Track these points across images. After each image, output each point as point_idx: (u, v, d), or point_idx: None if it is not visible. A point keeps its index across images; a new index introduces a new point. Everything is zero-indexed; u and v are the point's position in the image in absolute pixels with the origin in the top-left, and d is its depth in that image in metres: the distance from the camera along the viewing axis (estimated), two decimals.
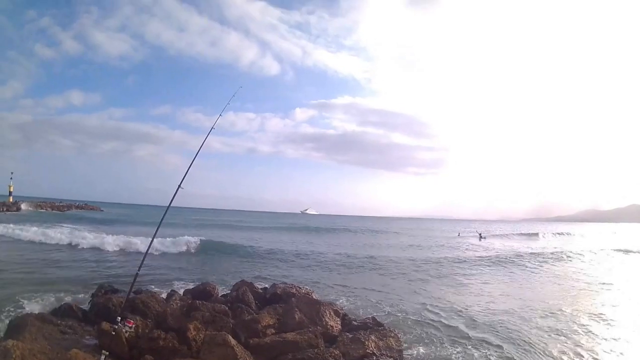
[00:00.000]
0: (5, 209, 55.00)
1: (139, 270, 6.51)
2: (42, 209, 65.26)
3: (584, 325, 9.68)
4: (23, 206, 60.98)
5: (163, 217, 7.00)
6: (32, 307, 9.50)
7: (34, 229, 26.86)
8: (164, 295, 10.02)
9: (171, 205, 7.09)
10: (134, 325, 6.50)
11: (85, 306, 9.51)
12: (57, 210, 68.69)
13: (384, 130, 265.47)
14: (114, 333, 6.23)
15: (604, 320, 10.28)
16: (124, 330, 6.18)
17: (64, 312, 8.64)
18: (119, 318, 6.24)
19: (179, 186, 6.94)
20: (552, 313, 10.78)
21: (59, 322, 7.90)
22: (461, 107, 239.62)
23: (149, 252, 7.55)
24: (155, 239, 7.46)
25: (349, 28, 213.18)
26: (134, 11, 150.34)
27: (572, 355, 7.67)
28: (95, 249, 21.50)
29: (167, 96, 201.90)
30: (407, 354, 7.41)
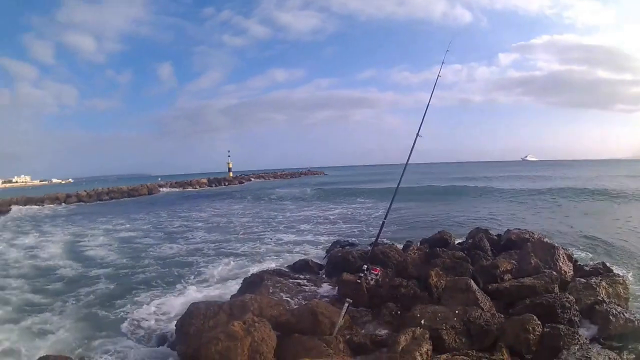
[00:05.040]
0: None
1: (385, 219, 6.60)
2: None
3: None
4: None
5: (403, 172, 6.98)
6: (268, 265, 10.75)
7: None
8: (400, 246, 10.23)
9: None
10: (379, 273, 6.72)
11: (321, 261, 10.32)
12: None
13: (587, 67, 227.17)
14: (358, 281, 6.55)
15: None
16: (369, 278, 6.43)
17: (299, 267, 9.58)
18: (365, 266, 6.50)
19: (417, 134, 6.81)
20: None
21: (295, 276, 8.75)
22: None
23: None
24: None
25: None
26: None
27: None
28: None
29: (368, 60, 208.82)
30: (635, 304, 6.69)
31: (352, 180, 54.94)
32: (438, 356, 4.66)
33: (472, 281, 6.30)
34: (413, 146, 6.90)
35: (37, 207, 40.47)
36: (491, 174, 53.78)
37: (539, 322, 5.08)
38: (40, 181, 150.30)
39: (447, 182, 38.92)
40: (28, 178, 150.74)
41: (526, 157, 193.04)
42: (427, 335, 5.02)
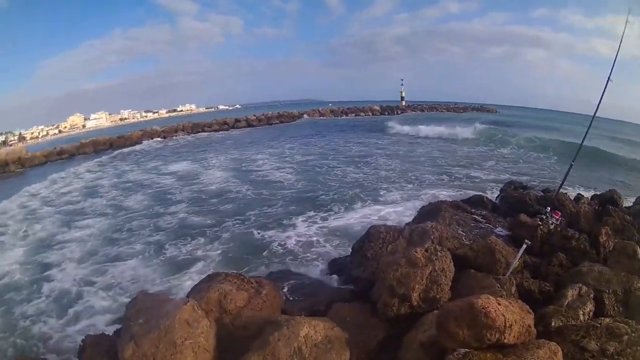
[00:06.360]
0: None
1: (573, 161, 6.49)
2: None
3: None
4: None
5: (592, 120, 6.49)
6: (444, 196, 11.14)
7: None
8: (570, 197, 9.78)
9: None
10: (560, 218, 6.65)
11: (494, 199, 10.39)
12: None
13: None
14: (539, 223, 6.63)
15: None
16: (550, 221, 6.49)
17: (474, 202, 9.74)
18: (549, 208, 6.54)
19: (608, 79, 6.12)
20: None
21: (471, 210, 8.85)
22: None
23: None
24: None
25: None
26: None
27: None
28: None
29: None
30: None
31: (523, 122, 51.64)
32: (601, 318, 4.37)
33: (639, 248, 5.93)
34: (603, 92, 6.22)
35: (206, 133, 41.34)
36: None
37: None
38: (206, 108, 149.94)
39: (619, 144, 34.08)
40: (193, 106, 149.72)
41: None
42: (592, 295, 4.89)
